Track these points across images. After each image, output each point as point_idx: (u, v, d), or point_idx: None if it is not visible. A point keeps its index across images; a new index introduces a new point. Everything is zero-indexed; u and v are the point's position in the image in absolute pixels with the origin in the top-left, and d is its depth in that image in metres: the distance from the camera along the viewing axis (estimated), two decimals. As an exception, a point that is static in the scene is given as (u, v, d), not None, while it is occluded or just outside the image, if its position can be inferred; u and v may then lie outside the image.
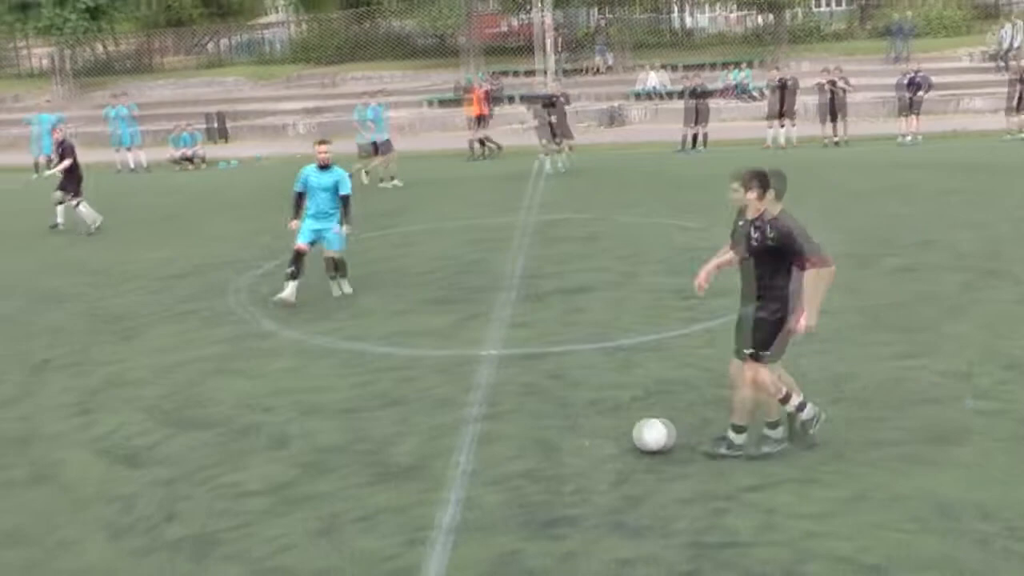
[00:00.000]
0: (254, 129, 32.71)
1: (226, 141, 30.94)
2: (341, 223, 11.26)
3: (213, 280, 12.69)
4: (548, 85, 28.88)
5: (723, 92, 31.21)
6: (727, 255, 6.90)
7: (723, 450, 6.64)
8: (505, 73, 34.36)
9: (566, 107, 23.58)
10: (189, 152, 26.29)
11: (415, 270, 12.86)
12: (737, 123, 29.60)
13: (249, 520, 6.20)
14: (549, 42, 32.27)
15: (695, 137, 25.21)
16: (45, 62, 39.03)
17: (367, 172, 21.12)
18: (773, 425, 6.69)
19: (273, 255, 13.50)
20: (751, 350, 6.47)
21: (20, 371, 9.55)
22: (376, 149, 21.19)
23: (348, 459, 7.00)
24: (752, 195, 6.36)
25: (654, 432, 6.74)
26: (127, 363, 9.60)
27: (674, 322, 9.84)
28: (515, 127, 29.59)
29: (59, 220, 17.04)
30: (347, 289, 11.59)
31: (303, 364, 9.22)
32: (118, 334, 10.64)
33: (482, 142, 26.36)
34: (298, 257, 11.10)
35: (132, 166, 25.79)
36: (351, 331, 10.04)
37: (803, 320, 6.35)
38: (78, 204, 16.81)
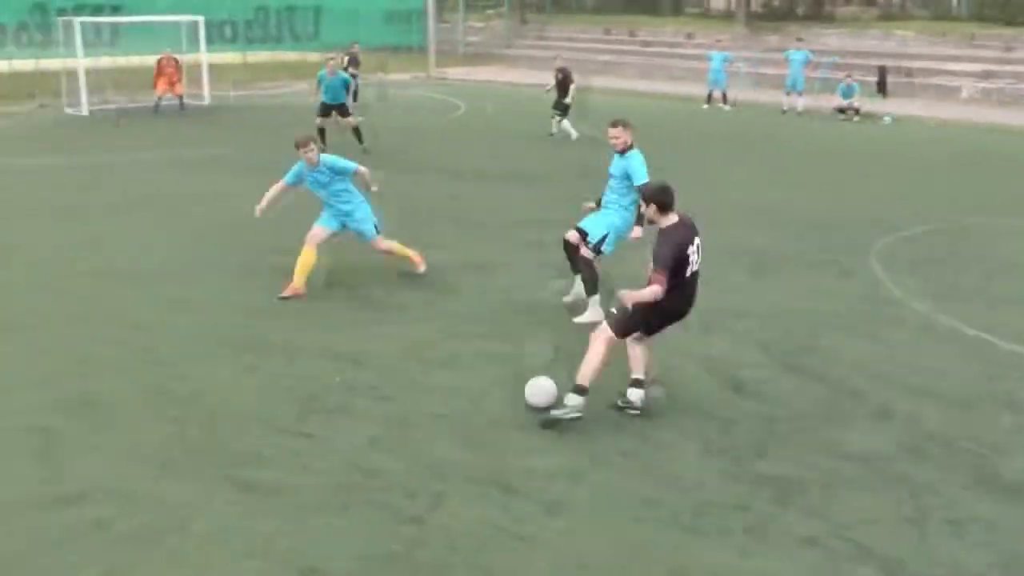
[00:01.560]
0: (919, 87, 31.34)
1: (883, 96, 30.04)
2: None
3: (856, 237, 12.50)
4: None
5: None
6: None
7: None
8: None
9: None
10: (846, 104, 26.02)
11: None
12: None
13: (835, 482, 6.12)
14: None
15: None
16: (722, 4, 40.85)
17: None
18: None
19: (923, 219, 13.02)
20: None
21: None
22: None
23: (952, 454, 6.58)
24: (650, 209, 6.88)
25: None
26: (752, 297, 9.91)
27: None
28: None
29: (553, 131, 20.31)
30: None
31: (925, 342, 8.79)
32: (748, 267, 11.00)
33: None
34: None
35: (799, 109, 26.13)
36: (983, 320, 9.34)
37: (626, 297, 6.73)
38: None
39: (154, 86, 24.37)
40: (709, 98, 26.96)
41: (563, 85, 20.39)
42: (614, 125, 8.80)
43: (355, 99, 20.52)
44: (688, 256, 6.78)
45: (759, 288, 10.31)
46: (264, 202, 9.91)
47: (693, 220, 6.92)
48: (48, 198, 14.40)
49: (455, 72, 34.72)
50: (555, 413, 6.84)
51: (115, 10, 32.07)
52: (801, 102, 26.18)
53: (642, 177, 8.55)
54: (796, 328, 8.99)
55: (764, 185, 16.10)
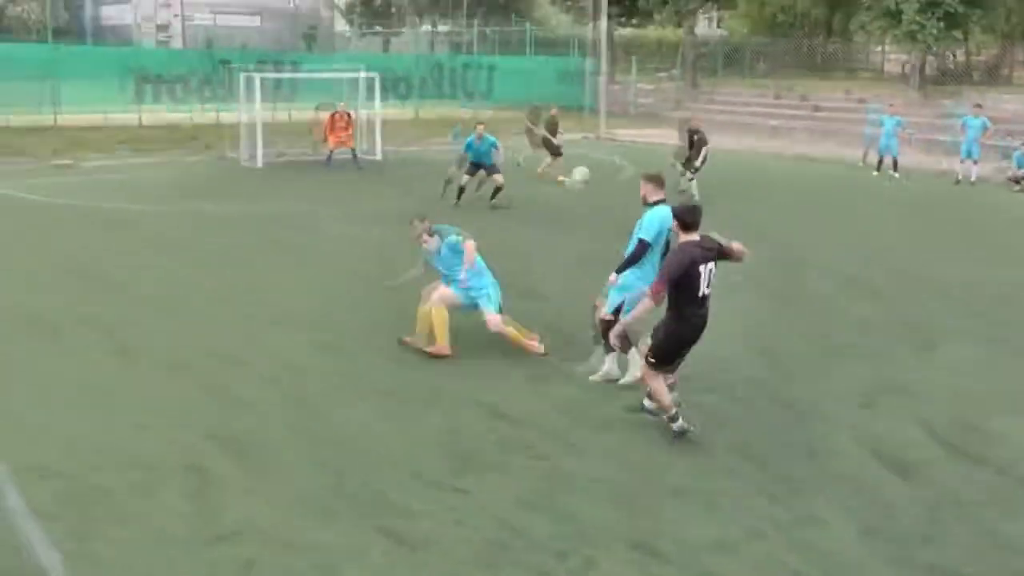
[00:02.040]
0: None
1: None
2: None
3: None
4: None
5: None
6: None
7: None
8: None
9: None
10: (1020, 173, 24.88)
11: None
12: None
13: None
14: None
15: None
16: (896, 67, 39.89)
17: None
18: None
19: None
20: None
21: (817, 351, 10.16)
22: None
23: None
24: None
25: None
26: (918, 373, 9.58)
27: None
28: None
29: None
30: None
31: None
32: (915, 342, 10.64)
33: None
34: None
35: (972, 179, 25.14)
36: None
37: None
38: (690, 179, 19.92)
39: (325, 139, 25.34)
40: (879, 164, 26.23)
41: (697, 145, 20.13)
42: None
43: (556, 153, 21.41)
44: (699, 274, 7.36)
45: (926, 363, 9.93)
46: (399, 280, 10.29)
47: (719, 246, 7.53)
48: (214, 243, 15.13)
49: (624, 133, 34.96)
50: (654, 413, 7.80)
51: (295, 65, 33.76)
52: (976, 171, 25.22)
53: (645, 233, 8.51)
54: (963, 408, 8.61)
55: (935, 256, 15.56)
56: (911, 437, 7.91)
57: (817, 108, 37.50)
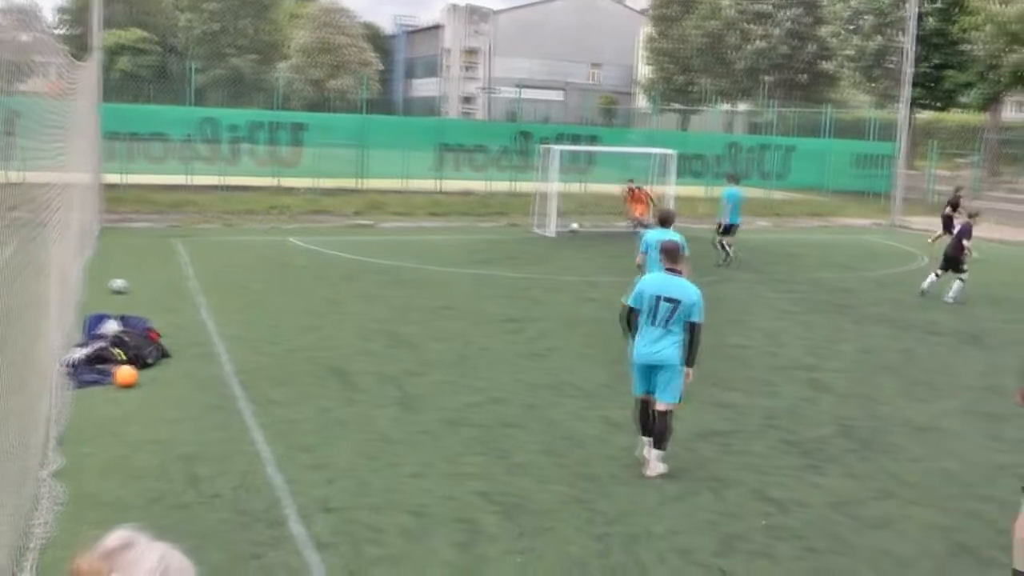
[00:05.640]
0: None
1: None
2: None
3: None
4: None
5: None
6: None
7: None
8: None
9: None
10: None
11: None
12: None
13: None
14: None
15: None
16: None
17: None
18: None
19: None
20: None
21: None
22: None
23: None
24: None
25: None
26: None
27: None
28: None
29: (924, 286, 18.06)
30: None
31: None
32: None
33: None
34: None
35: None
36: None
37: None
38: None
39: (629, 211, 25.98)
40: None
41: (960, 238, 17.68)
42: None
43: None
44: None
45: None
46: None
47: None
48: (491, 308, 15.54)
49: (918, 221, 33.32)
50: None
51: (592, 140, 34.63)
52: None
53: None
54: None
55: None
56: None
57: None
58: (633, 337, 8.35)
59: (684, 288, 8.17)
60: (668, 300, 8.11)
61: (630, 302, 8.35)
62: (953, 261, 17.64)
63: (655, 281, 8.31)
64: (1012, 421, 10.39)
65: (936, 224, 26.26)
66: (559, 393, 10.80)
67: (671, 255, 8.41)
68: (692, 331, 8.16)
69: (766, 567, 6.72)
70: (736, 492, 8.06)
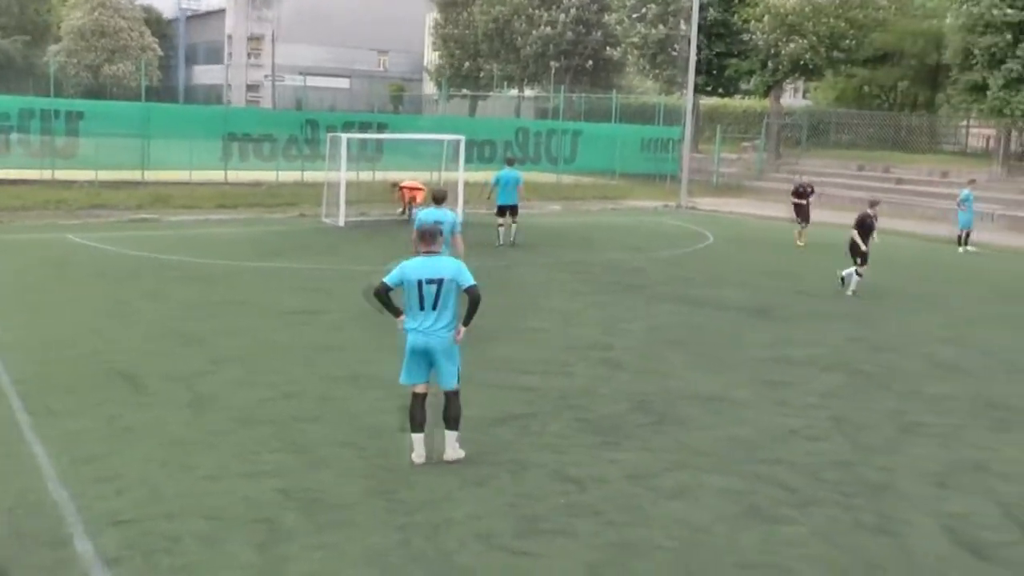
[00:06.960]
0: None
1: None
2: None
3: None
4: None
5: None
6: None
7: None
8: None
9: None
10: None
11: None
12: None
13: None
14: None
15: None
16: (980, 142, 39.43)
17: None
18: None
19: None
20: None
21: (892, 428, 9.93)
22: None
23: None
24: None
25: None
26: (997, 452, 9.31)
27: None
28: None
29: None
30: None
31: None
32: (989, 422, 10.36)
33: None
34: None
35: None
36: None
37: None
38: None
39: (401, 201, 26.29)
40: (960, 240, 25.80)
41: (866, 230, 17.78)
42: None
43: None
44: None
45: (1000, 444, 9.63)
46: None
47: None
48: (282, 301, 15.28)
49: (705, 202, 34.89)
50: None
51: (381, 127, 34.42)
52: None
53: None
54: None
55: (1004, 336, 15.15)
56: (988, 519, 7.67)
57: (900, 181, 37.05)
58: (389, 310, 8.26)
59: (442, 265, 8.19)
60: (430, 282, 8.09)
61: (387, 279, 8.17)
62: (855, 249, 17.64)
63: (415, 266, 8.19)
64: (798, 387, 11.13)
65: (722, 205, 27.25)
66: (356, 385, 10.74)
67: (425, 237, 8.35)
68: (470, 295, 8.15)
69: (566, 544, 6.91)
70: (535, 473, 8.24)
